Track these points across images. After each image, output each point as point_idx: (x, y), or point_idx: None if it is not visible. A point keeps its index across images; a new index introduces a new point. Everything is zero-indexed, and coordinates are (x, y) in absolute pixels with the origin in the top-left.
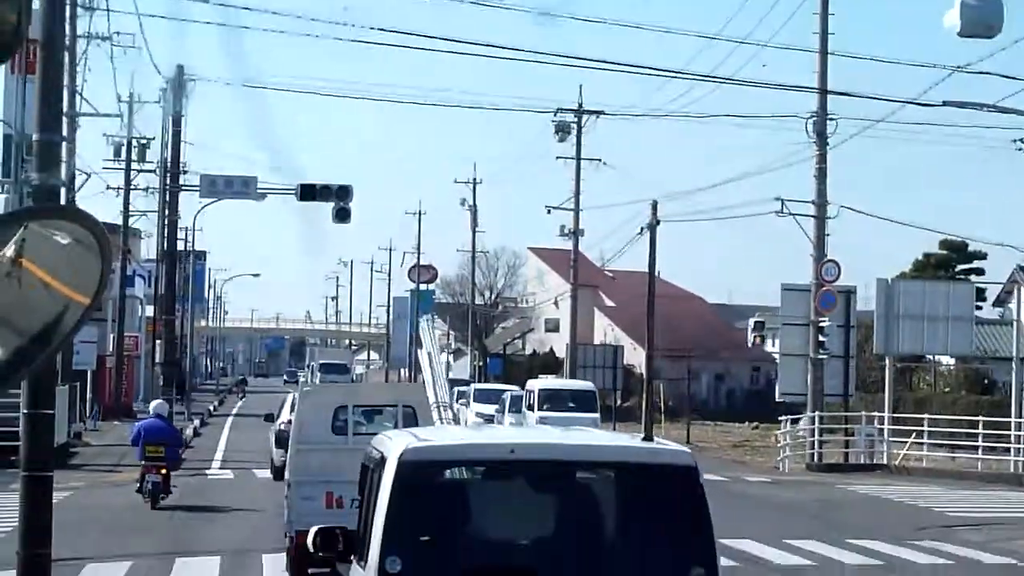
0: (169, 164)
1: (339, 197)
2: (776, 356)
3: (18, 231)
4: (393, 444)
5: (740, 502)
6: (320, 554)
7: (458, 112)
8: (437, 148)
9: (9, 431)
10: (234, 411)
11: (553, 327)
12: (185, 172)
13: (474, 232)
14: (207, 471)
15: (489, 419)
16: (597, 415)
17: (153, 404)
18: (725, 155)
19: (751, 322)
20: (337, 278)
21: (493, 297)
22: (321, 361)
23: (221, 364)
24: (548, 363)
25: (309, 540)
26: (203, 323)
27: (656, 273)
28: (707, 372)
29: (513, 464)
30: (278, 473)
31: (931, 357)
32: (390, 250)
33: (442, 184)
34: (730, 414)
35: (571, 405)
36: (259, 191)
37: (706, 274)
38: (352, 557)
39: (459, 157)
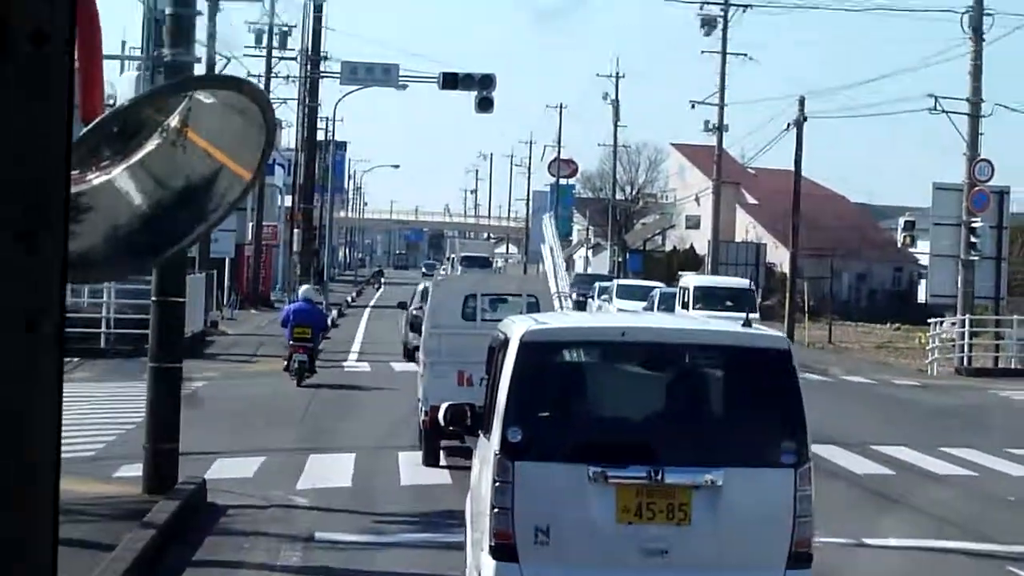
0: (310, 50)
1: (482, 86)
2: (921, 257)
3: (184, 100)
4: (516, 327)
5: (890, 406)
6: (451, 428)
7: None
8: (581, 41)
9: (142, 318)
10: (372, 302)
11: (694, 224)
12: (326, 59)
13: (616, 126)
14: (344, 363)
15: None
16: (756, 316)
17: (302, 289)
18: (876, 51)
19: (901, 221)
20: (476, 171)
21: (634, 192)
22: (463, 253)
23: (360, 255)
24: (688, 260)
25: (440, 415)
26: (342, 214)
27: (799, 172)
28: (849, 272)
29: (624, 346)
30: (410, 355)
31: None
32: (530, 143)
33: (585, 78)
34: (872, 314)
35: (728, 304)
36: (400, 79)
37: (850, 173)
38: (479, 431)
39: (603, 51)
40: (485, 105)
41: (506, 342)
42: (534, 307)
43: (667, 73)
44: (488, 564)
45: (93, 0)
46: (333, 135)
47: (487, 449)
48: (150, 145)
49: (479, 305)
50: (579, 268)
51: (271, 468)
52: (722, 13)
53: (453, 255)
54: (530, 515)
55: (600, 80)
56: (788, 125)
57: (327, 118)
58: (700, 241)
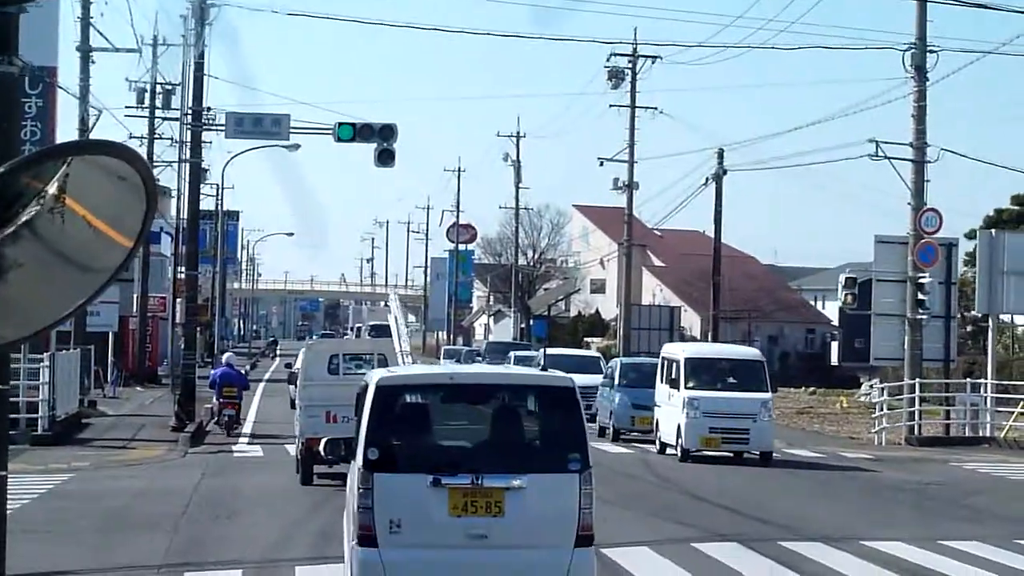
0: (191, 100)
1: (382, 137)
2: (833, 318)
3: (62, 166)
4: (374, 375)
5: (856, 488)
6: (329, 456)
7: (501, 59)
8: (479, 102)
9: None
10: (266, 376)
11: (599, 288)
12: (209, 110)
13: (517, 188)
14: (233, 447)
15: None
16: (769, 395)
17: (225, 356)
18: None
19: (842, 278)
20: (372, 239)
21: (536, 256)
22: (371, 322)
23: (255, 326)
24: (595, 324)
25: (321, 447)
26: (236, 285)
27: (720, 228)
28: (760, 334)
29: (452, 387)
30: (293, 403)
31: (1006, 318)
32: (427, 209)
33: (483, 140)
34: (785, 378)
35: (731, 381)
36: (293, 131)
37: (756, 233)
38: (349, 458)
39: (502, 111)
40: (386, 158)
41: (367, 387)
42: (383, 363)
43: (569, 133)
44: (355, 551)
45: None
46: (220, 203)
47: (354, 467)
48: (28, 214)
49: (340, 362)
50: (479, 335)
51: None
52: (630, 65)
53: (360, 324)
54: (385, 512)
55: (500, 141)
56: (707, 180)
57: (216, 184)
58: (605, 305)
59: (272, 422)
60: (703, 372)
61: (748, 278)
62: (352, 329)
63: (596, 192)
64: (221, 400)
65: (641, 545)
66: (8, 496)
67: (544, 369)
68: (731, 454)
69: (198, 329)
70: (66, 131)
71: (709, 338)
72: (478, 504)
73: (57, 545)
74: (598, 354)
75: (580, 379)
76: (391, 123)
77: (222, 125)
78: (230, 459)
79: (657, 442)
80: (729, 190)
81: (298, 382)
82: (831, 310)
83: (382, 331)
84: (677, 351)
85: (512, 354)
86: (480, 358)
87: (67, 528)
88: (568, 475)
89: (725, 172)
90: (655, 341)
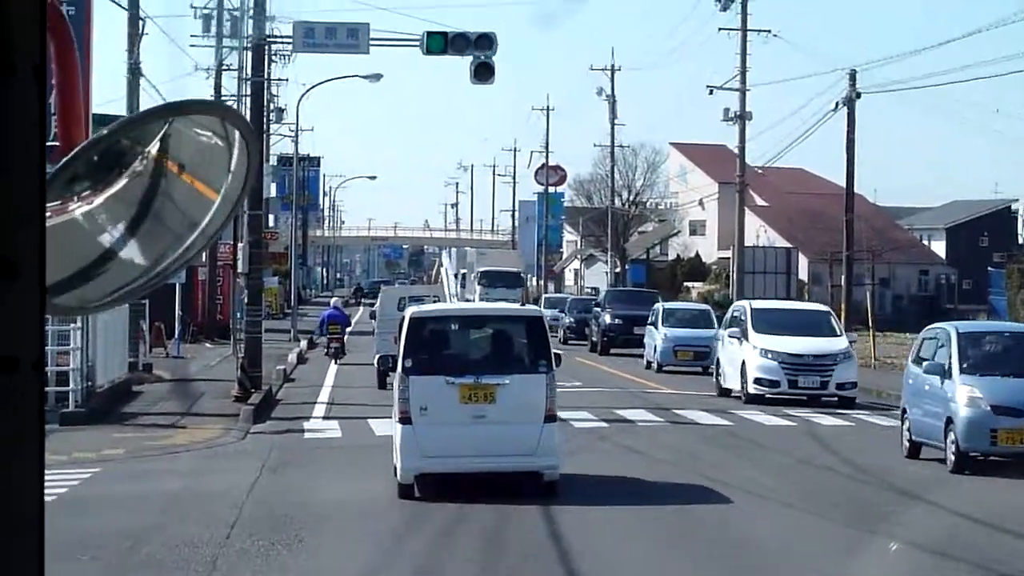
0: (253, 6)
1: (479, 48)
2: (943, 257)
3: (163, 126)
4: (408, 311)
5: None
6: (381, 368)
7: None
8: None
9: None
10: (349, 328)
11: (698, 229)
12: (273, 19)
13: (613, 126)
14: (305, 424)
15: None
16: (845, 343)
17: (332, 300)
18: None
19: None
20: (457, 184)
21: (631, 198)
22: (483, 268)
23: (338, 274)
24: (694, 269)
25: (375, 361)
26: (318, 232)
27: (853, 158)
28: (870, 276)
29: (461, 318)
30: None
31: None
32: (514, 150)
33: (572, 74)
34: (899, 323)
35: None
36: (372, 42)
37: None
38: (394, 368)
39: (591, 42)
40: (483, 72)
41: (404, 319)
42: (437, 302)
43: (665, 65)
44: (397, 427)
45: (68, 34)
46: (297, 142)
47: (397, 372)
48: (130, 174)
49: (406, 303)
50: (569, 281)
51: None
52: None
53: (464, 270)
54: (417, 401)
55: (593, 75)
56: (836, 105)
57: (293, 125)
58: (705, 248)
59: (354, 387)
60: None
61: (856, 217)
62: (458, 276)
63: (693, 129)
64: (328, 336)
65: None
66: None
67: (523, 304)
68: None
69: (278, 279)
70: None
71: (843, 282)
72: (478, 395)
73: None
74: (707, 307)
75: (693, 333)
76: (488, 32)
77: (289, 37)
78: (300, 442)
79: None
80: (834, 123)
81: (376, 316)
82: (937, 250)
83: (500, 280)
84: (745, 306)
85: (659, 307)
86: (601, 310)
87: (65, 556)
88: (538, 375)
89: (859, 96)
90: (770, 286)
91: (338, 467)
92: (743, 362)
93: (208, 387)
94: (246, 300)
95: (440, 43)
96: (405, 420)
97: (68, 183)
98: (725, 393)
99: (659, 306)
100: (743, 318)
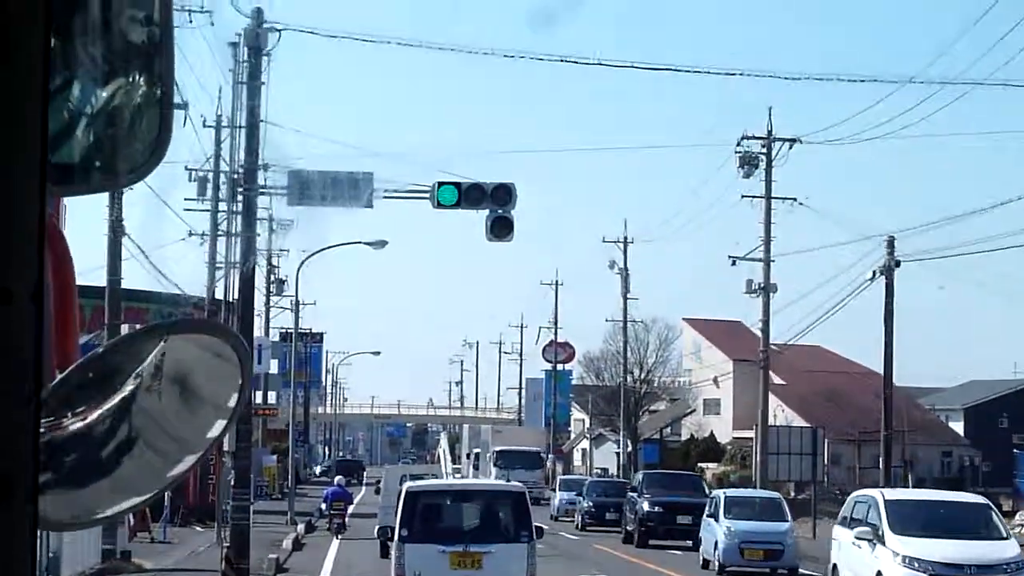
0: (243, 156)
1: (496, 201)
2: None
3: (158, 343)
4: (407, 484)
5: None
6: (380, 538)
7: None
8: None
9: None
10: (349, 509)
11: (713, 408)
12: (267, 167)
13: (625, 300)
14: None
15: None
16: (1017, 549)
17: (336, 479)
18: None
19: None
20: (462, 361)
21: (643, 375)
22: (499, 447)
23: (340, 453)
24: (709, 449)
25: (376, 530)
26: (320, 409)
27: (891, 330)
28: (893, 458)
29: (453, 492)
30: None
31: None
32: (521, 326)
33: (582, 246)
34: None
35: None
36: (377, 193)
37: (863, 348)
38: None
39: (599, 215)
40: (501, 228)
41: (401, 492)
42: (435, 477)
43: (675, 238)
44: None
45: (66, 249)
46: (297, 313)
47: (394, 541)
48: (125, 391)
49: (407, 479)
50: (577, 461)
51: None
52: (763, 150)
53: (478, 449)
54: (411, 567)
55: (604, 248)
56: (874, 273)
57: (296, 299)
58: (720, 427)
59: None
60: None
61: (874, 396)
62: (469, 456)
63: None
64: (331, 512)
65: None
66: None
67: (507, 480)
68: None
69: (276, 457)
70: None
71: (881, 464)
72: (466, 562)
73: None
74: (777, 495)
75: (763, 527)
76: (507, 183)
77: (282, 189)
78: None
79: None
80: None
81: (380, 491)
82: (956, 430)
83: (518, 462)
84: (885, 496)
85: (720, 494)
86: (637, 496)
87: None
88: (520, 544)
89: (898, 264)
90: (795, 467)
91: None
92: (878, 573)
93: None
94: (232, 482)
95: (453, 195)
96: None
97: (64, 401)
98: None
99: (719, 494)
100: (873, 513)
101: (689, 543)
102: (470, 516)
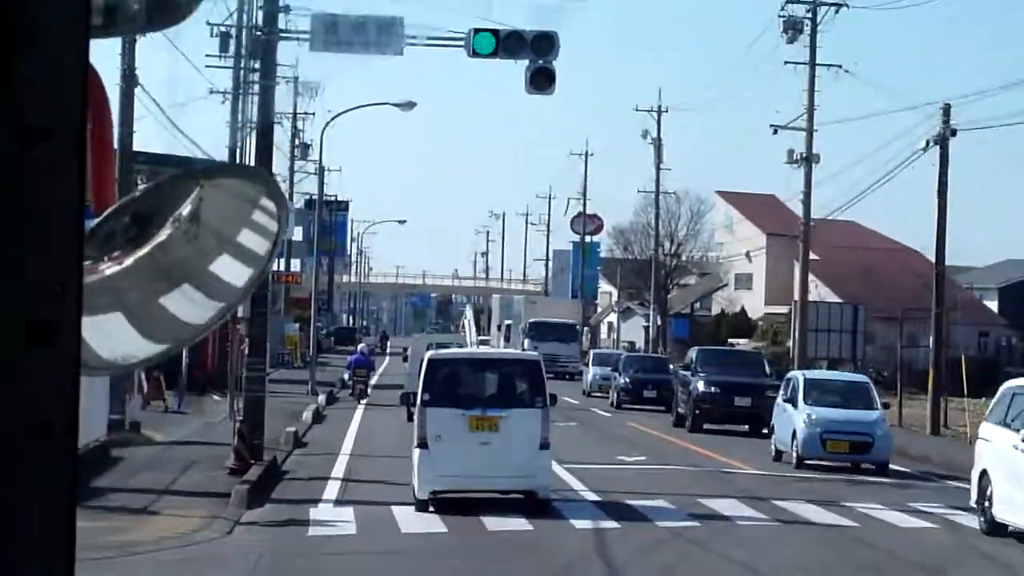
0: None
1: (537, 51)
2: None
3: (194, 189)
4: (427, 353)
5: None
6: (404, 404)
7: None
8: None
9: None
10: (372, 380)
11: (744, 283)
12: (288, 9)
13: (658, 170)
14: (311, 511)
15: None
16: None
17: (359, 346)
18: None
19: None
20: (488, 232)
21: (674, 248)
22: (533, 319)
23: (364, 322)
24: (740, 325)
25: (399, 398)
26: (345, 279)
27: (945, 203)
28: (926, 337)
29: (472, 360)
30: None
31: None
32: (549, 197)
33: (614, 116)
34: (955, 387)
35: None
36: (408, 40)
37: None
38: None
39: (637, 82)
40: (542, 79)
41: (423, 359)
42: (461, 346)
43: (710, 108)
44: (415, 451)
45: (104, 95)
46: (321, 174)
47: (418, 406)
48: (162, 235)
49: (434, 347)
50: (603, 335)
51: None
52: (808, 15)
53: (509, 321)
54: (432, 429)
55: (637, 117)
56: (928, 143)
57: (318, 163)
58: (752, 302)
59: (375, 456)
60: None
61: (912, 274)
62: (500, 327)
63: (741, 178)
64: (354, 380)
65: None
66: None
67: (523, 349)
68: None
69: (299, 326)
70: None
71: (931, 344)
72: (484, 425)
73: None
74: (864, 378)
75: (850, 415)
76: (548, 31)
77: (303, 33)
78: (300, 542)
79: None
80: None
81: (408, 359)
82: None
83: (550, 333)
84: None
85: (799, 376)
86: (691, 375)
87: None
88: (535, 409)
89: (954, 133)
90: (834, 344)
91: None
92: None
93: (203, 453)
94: (246, 351)
95: (490, 43)
96: (423, 445)
97: (101, 244)
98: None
99: (798, 376)
100: None
101: (746, 428)
102: (488, 383)
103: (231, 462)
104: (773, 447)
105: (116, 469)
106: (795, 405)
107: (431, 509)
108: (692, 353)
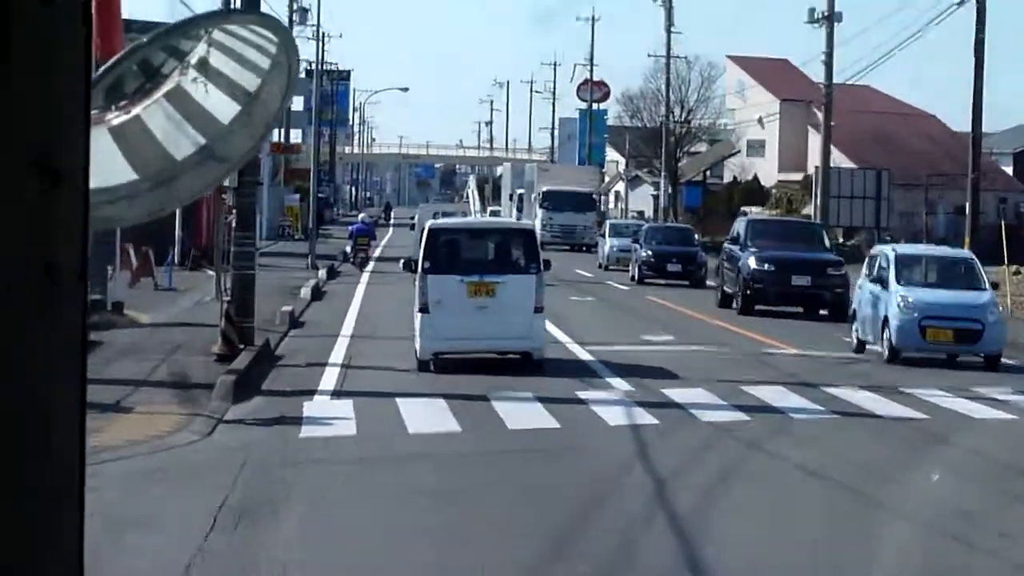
0: None
1: None
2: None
3: (205, 35)
4: (428, 222)
5: None
6: (406, 270)
7: None
8: None
9: None
10: (376, 253)
11: (756, 150)
12: None
13: (669, 32)
14: (305, 404)
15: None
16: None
17: (360, 215)
18: None
19: None
20: (491, 101)
21: (684, 114)
22: (546, 187)
23: (368, 193)
24: (753, 193)
25: (401, 263)
26: (347, 149)
27: (982, 64)
28: (943, 203)
29: (471, 229)
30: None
31: None
32: (554, 64)
33: None
34: (975, 254)
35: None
36: None
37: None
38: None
39: None
40: None
41: (424, 228)
42: (466, 216)
43: None
44: (417, 315)
45: None
46: (319, 42)
47: (418, 273)
48: (170, 83)
49: (440, 216)
50: (611, 204)
51: None
52: None
53: (522, 190)
54: (433, 295)
55: None
56: None
57: (318, 29)
58: (765, 169)
59: (379, 338)
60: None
61: (929, 140)
62: (512, 197)
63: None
64: (355, 248)
65: None
66: None
67: (519, 219)
68: None
69: (299, 196)
70: None
71: (968, 211)
72: (482, 290)
73: None
74: (969, 254)
75: (954, 297)
76: None
77: None
78: (291, 445)
79: None
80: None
81: (415, 228)
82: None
83: (567, 202)
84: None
85: (888, 251)
86: (741, 250)
87: None
88: (529, 275)
89: None
90: (856, 212)
91: (346, 515)
92: None
93: (190, 336)
94: (234, 224)
95: None
96: (424, 310)
97: (107, 92)
98: None
99: (886, 251)
100: None
101: (800, 310)
102: (485, 250)
103: (218, 347)
104: (855, 336)
105: (91, 355)
106: (885, 286)
107: (431, 368)
108: (740, 225)
